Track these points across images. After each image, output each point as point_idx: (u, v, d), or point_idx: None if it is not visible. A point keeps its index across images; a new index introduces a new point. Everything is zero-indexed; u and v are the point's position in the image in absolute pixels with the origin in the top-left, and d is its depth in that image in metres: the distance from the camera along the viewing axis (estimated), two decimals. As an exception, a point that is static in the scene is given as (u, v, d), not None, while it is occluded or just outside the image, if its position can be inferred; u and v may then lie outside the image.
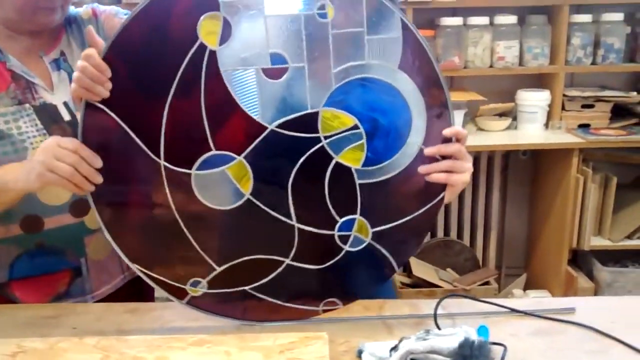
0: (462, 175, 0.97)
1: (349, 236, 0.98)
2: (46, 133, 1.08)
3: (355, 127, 0.93)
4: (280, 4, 0.89)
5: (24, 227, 1.10)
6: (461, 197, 2.55)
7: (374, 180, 0.96)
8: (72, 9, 1.17)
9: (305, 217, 0.96)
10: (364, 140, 0.94)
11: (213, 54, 0.89)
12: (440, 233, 2.58)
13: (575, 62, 2.34)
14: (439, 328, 0.96)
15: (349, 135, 0.94)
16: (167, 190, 0.93)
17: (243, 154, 0.93)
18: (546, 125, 2.40)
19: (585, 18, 2.31)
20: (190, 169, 0.93)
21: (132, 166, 0.93)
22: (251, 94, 0.90)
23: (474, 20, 2.30)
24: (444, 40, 2.29)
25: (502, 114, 2.46)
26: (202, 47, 0.88)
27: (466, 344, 0.80)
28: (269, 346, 0.91)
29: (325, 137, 0.93)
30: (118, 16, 1.17)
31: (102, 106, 0.90)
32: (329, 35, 0.90)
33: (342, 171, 0.95)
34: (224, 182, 0.93)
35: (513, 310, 1.04)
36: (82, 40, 1.15)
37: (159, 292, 1.71)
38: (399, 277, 2.49)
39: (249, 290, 0.99)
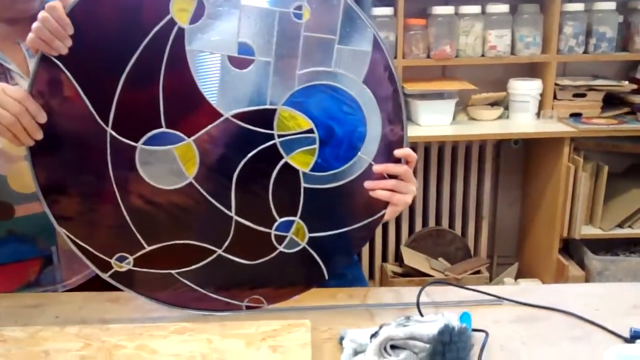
0: (405, 196, 0.97)
1: (285, 237, 0.98)
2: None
3: (311, 131, 0.93)
4: None
5: None
6: (453, 186, 2.55)
7: (319, 186, 0.95)
8: None
9: (245, 211, 0.96)
10: (316, 146, 0.94)
11: (181, 31, 0.88)
12: (431, 222, 2.58)
13: (567, 51, 2.33)
14: (421, 315, 0.96)
15: (302, 138, 0.93)
16: (109, 159, 0.91)
17: (193, 137, 0.91)
18: (538, 114, 2.39)
19: (578, 7, 2.30)
20: (137, 142, 0.91)
21: (78, 129, 0.91)
22: (212, 79, 0.89)
23: (465, 9, 2.29)
24: (435, 30, 2.27)
25: (493, 103, 2.46)
26: (172, 22, 0.87)
27: (446, 330, 0.80)
28: (251, 334, 0.91)
29: (279, 136, 0.92)
30: None
31: (57, 62, 0.88)
32: (300, 36, 0.89)
33: (290, 172, 0.94)
34: (169, 161, 0.92)
35: (496, 298, 1.04)
36: None
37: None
38: (390, 267, 2.50)
39: (175, 275, 0.98)
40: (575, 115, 2.38)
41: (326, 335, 0.94)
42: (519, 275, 2.64)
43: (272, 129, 0.92)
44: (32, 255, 1.15)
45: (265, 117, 0.92)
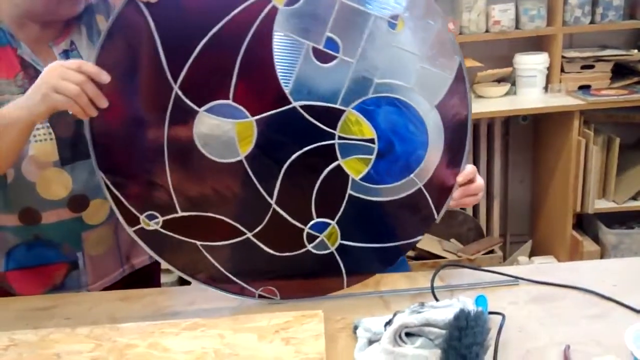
0: (476, 197, 1.02)
1: (316, 237, 0.97)
2: (49, 126, 1.05)
3: (372, 140, 0.92)
4: None
5: (22, 219, 1.09)
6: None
7: (365, 197, 0.95)
8: None
9: (285, 202, 0.94)
10: (373, 157, 0.93)
11: (274, 10, 0.86)
12: (442, 204, 2.56)
13: (573, 22, 2.29)
14: (437, 300, 0.95)
15: (361, 146, 0.92)
16: (168, 117, 0.90)
17: (256, 117, 0.90)
18: (545, 88, 2.36)
19: (582, -24, 2.25)
20: (199, 107, 0.89)
21: (144, 81, 0.89)
22: (291, 65, 0.88)
23: (467, -16, 2.24)
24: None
25: (500, 80, 2.42)
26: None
27: (462, 315, 0.78)
28: (263, 327, 0.90)
29: (340, 137, 0.92)
30: None
31: (144, 9, 0.86)
32: (389, 45, 0.88)
33: (339, 175, 0.94)
34: (226, 135, 0.91)
35: (512, 278, 1.02)
36: (91, 27, 1.11)
37: (167, 282, 1.70)
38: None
39: (200, 246, 0.96)
40: (584, 88, 2.34)
41: (340, 325, 0.93)
42: (533, 253, 2.62)
43: (335, 128, 0.91)
44: (58, 260, 1.14)
45: (331, 116, 0.91)
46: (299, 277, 1.00)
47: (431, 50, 0.90)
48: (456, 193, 0.98)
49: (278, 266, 0.98)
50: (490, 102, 2.33)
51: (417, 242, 1.01)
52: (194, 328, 0.91)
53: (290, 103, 0.89)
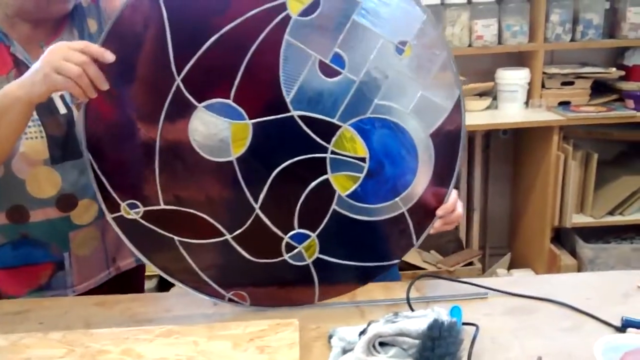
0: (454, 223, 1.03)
1: (295, 248, 0.97)
2: (41, 124, 1.05)
3: (363, 159, 0.93)
4: (379, 20, 0.88)
5: (9, 217, 1.09)
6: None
7: (348, 214, 0.96)
8: None
9: (269, 209, 0.95)
10: (362, 175, 0.94)
11: (287, 18, 0.86)
12: (423, 215, 2.57)
13: (555, 39, 2.32)
14: (412, 310, 0.95)
15: (352, 163, 0.93)
16: (165, 108, 0.89)
17: (254, 120, 0.90)
18: (526, 103, 2.38)
19: (564, -6, 2.29)
20: (199, 102, 0.89)
21: (147, 68, 0.88)
22: (296, 74, 0.88)
23: (451, -1, 2.27)
24: (421, 21, 2.26)
25: (482, 94, 2.45)
26: (283, 6, 0.86)
27: (435, 326, 0.79)
28: (238, 334, 0.90)
29: (333, 152, 0.92)
30: None
31: None
32: (393, 69, 0.89)
33: (326, 189, 0.94)
34: (221, 133, 0.91)
35: (487, 289, 1.03)
36: (82, 29, 1.11)
37: (148, 288, 1.69)
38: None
39: (177, 242, 0.96)
40: (564, 104, 2.37)
41: (315, 333, 0.93)
42: (512, 265, 2.64)
43: (329, 142, 0.92)
44: (45, 260, 1.13)
45: (327, 129, 0.91)
46: (272, 285, 1.00)
47: (433, 80, 0.91)
48: (436, 223, 0.99)
49: (252, 272, 0.98)
50: (472, 115, 2.35)
51: (393, 265, 1.01)
52: (168, 335, 0.90)
53: (289, 111, 0.90)
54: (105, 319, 1.00)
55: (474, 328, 0.90)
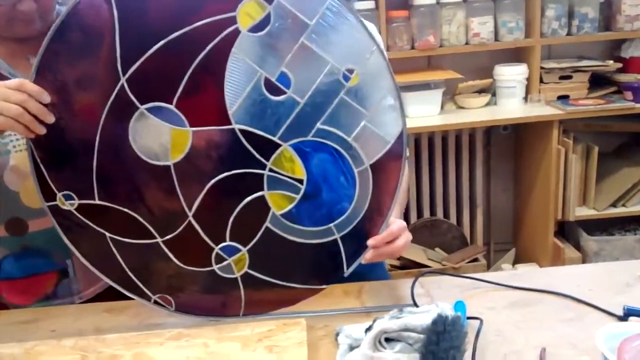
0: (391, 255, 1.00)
1: (224, 260, 0.97)
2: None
3: (300, 181, 0.93)
4: (328, 45, 0.88)
5: (8, 230, 1.10)
6: (445, 176, 2.55)
7: (280, 232, 0.95)
8: (61, 9, 1.12)
9: (202, 218, 0.95)
10: (298, 197, 0.94)
11: (236, 32, 0.87)
12: (426, 213, 2.59)
13: (551, 33, 2.34)
14: (416, 306, 0.97)
15: (289, 184, 0.93)
16: (108, 106, 0.90)
17: (194, 129, 0.91)
18: (525, 98, 2.40)
19: (558, -11, 2.30)
20: (141, 104, 0.90)
21: (95, 64, 0.89)
22: (240, 88, 0.89)
23: (446, -2, 2.29)
24: (418, 20, 2.27)
25: (481, 91, 2.46)
26: (232, 20, 0.86)
27: (439, 320, 0.80)
28: (247, 335, 0.92)
29: (271, 170, 0.92)
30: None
31: None
32: (338, 95, 0.90)
33: (261, 206, 0.94)
34: (160, 137, 0.91)
35: (490, 283, 1.05)
36: None
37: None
38: (388, 260, 2.50)
39: (107, 237, 0.96)
40: (563, 98, 2.38)
41: (322, 332, 0.95)
42: (517, 260, 2.65)
43: (268, 160, 0.92)
44: (48, 269, 1.15)
45: (267, 147, 0.91)
46: (199, 293, 0.99)
47: (378, 112, 0.91)
48: (368, 254, 0.96)
49: (180, 278, 0.98)
50: (472, 112, 2.37)
51: (320, 290, 0.99)
52: (178, 338, 0.92)
53: (230, 124, 0.90)
54: (115, 325, 1.02)
55: (478, 322, 0.91)
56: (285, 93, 0.89)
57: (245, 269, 0.97)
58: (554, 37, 2.34)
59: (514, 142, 2.63)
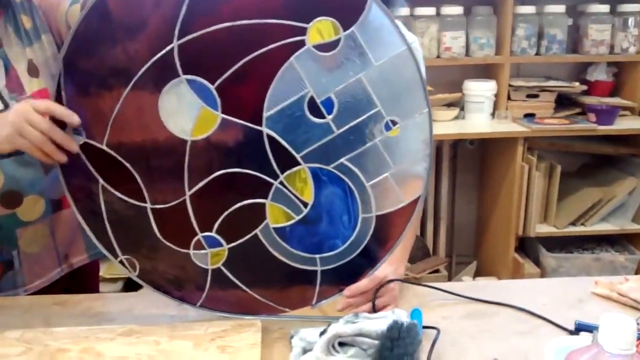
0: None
1: (203, 248, 0.95)
2: None
3: (305, 204, 0.92)
4: (382, 91, 0.87)
5: None
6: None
7: (267, 245, 0.94)
8: None
9: (197, 201, 0.93)
10: (296, 218, 0.93)
11: (302, 43, 0.85)
12: (391, 223, 2.59)
13: (520, 52, 2.38)
14: (375, 311, 0.96)
15: (294, 203, 0.92)
16: (150, 63, 0.87)
17: (223, 115, 0.89)
18: (493, 114, 2.43)
19: (529, 9, 2.35)
20: (184, 73, 0.87)
21: (154, 19, 0.86)
22: (283, 95, 0.87)
23: (420, 10, 2.31)
24: (392, 31, 2.29)
25: (449, 104, 2.49)
26: (302, 30, 0.85)
27: (395, 327, 0.81)
28: (200, 335, 0.90)
29: (281, 183, 0.91)
30: None
31: None
32: (373, 140, 0.89)
33: (258, 212, 0.93)
34: (188, 111, 0.89)
35: (447, 293, 1.05)
36: (17, 26, 1.09)
37: (104, 287, 1.67)
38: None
39: (100, 184, 0.93)
40: (529, 116, 2.42)
41: (277, 335, 0.94)
42: (478, 273, 2.68)
43: (282, 172, 0.91)
44: None
45: (287, 160, 0.90)
46: (166, 270, 0.97)
47: (404, 171, 0.91)
48: (339, 305, 0.96)
49: (154, 249, 0.96)
50: (440, 125, 2.39)
51: (281, 311, 0.99)
52: (129, 334, 0.90)
53: (261, 125, 0.89)
54: (65, 319, 0.99)
55: (434, 331, 0.91)
56: (324, 118, 0.88)
57: (219, 264, 0.96)
58: (523, 56, 2.39)
59: (480, 156, 2.67)
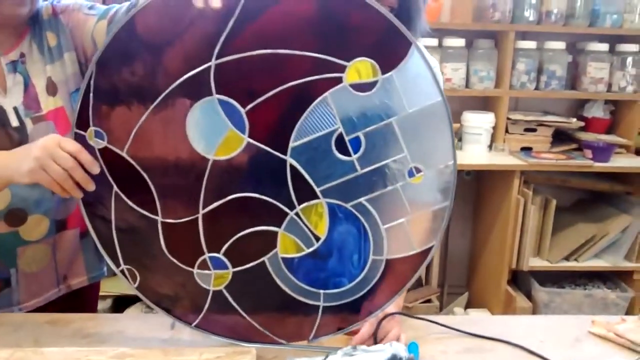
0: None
1: (208, 268, 0.94)
2: None
3: (317, 238, 0.92)
4: (411, 138, 0.87)
5: None
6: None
7: (272, 273, 0.94)
8: (40, 3, 1.10)
9: (209, 221, 0.92)
10: (306, 251, 0.93)
11: (339, 80, 0.85)
12: (384, 250, 2.59)
13: (520, 86, 2.40)
14: (376, 343, 0.95)
15: (307, 235, 0.92)
16: (184, 78, 0.86)
17: (251, 140, 0.88)
18: (490, 146, 2.44)
19: (530, 44, 2.37)
20: (217, 93, 0.87)
21: (192, 36, 0.85)
22: (313, 128, 0.87)
23: (422, 41, 2.31)
24: (393, 59, 2.31)
25: (448, 134, 2.50)
26: (342, 68, 0.85)
27: (393, 361, 0.80)
28: (194, 361, 0.89)
29: (297, 214, 0.91)
30: (82, 11, 1.11)
31: None
32: (395, 185, 0.89)
33: (269, 240, 0.92)
34: (215, 131, 0.88)
35: (446, 327, 1.05)
36: (41, 43, 1.09)
37: (102, 309, 1.63)
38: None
39: (113, 190, 0.92)
40: (526, 149, 2.44)
41: (272, 363, 0.92)
42: (469, 305, 2.67)
43: (299, 204, 0.90)
44: None
45: (306, 193, 0.90)
46: (167, 285, 0.96)
47: (420, 220, 0.91)
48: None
49: (157, 262, 0.94)
50: (437, 155, 2.39)
51: (277, 342, 0.98)
52: (121, 357, 0.88)
53: (285, 154, 0.89)
54: (56, 338, 0.97)
55: (430, 365, 0.90)
56: (350, 156, 0.88)
57: (221, 287, 0.95)
58: (522, 90, 2.41)
59: (476, 188, 2.67)
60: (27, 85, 1.06)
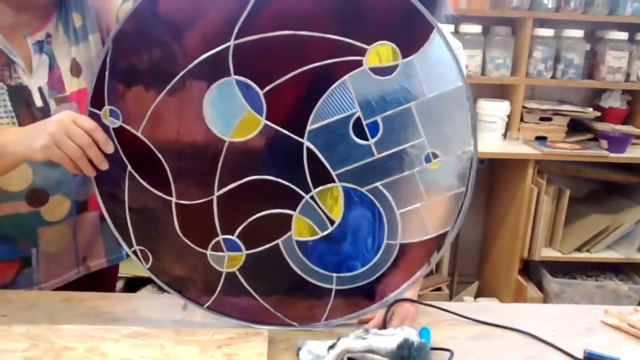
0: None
1: (221, 250, 0.94)
2: (14, 116, 1.02)
3: (332, 222, 0.92)
4: (429, 123, 0.87)
5: None
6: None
7: (285, 255, 0.94)
8: None
9: (224, 203, 0.92)
10: (320, 234, 0.92)
11: (358, 64, 0.84)
12: (396, 237, 2.59)
13: (536, 74, 2.38)
14: (385, 327, 0.96)
15: (321, 218, 0.92)
16: (202, 57, 0.86)
17: (268, 122, 0.88)
18: (504, 135, 2.43)
19: (547, 32, 2.35)
20: (235, 74, 0.87)
21: (214, 15, 0.85)
22: (331, 111, 0.87)
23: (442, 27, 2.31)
24: (408, 46, 2.29)
25: (462, 122, 2.48)
26: (362, 51, 0.84)
27: (405, 345, 0.80)
28: (205, 341, 0.89)
29: (312, 198, 0.91)
30: None
31: None
32: (412, 170, 0.89)
33: (284, 224, 0.92)
34: (232, 112, 0.88)
35: (456, 315, 1.04)
36: (67, 24, 1.08)
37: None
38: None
39: (128, 170, 0.92)
40: (541, 139, 2.42)
41: (284, 345, 0.93)
42: (479, 294, 2.67)
43: (315, 187, 0.90)
44: (11, 256, 1.10)
45: (322, 176, 0.90)
46: (179, 267, 0.96)
47: (436, 205, 0.90)
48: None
49: (170, 243, 0.94)
50: (451, 142, 2.38)
51: (288, 324, 0.98)
52: (135, 336, 0.89)
53: (302, 137, 0.88)
54: (70, 316, 0.98)
55: (448, 354, 0.90)
56: (367, 140, 0.88)
57: (235, 269, 0.95)
58: (538, 78, 2.39)
59: (489, 176, 2.66)
60: (52, 66, 1.06)
